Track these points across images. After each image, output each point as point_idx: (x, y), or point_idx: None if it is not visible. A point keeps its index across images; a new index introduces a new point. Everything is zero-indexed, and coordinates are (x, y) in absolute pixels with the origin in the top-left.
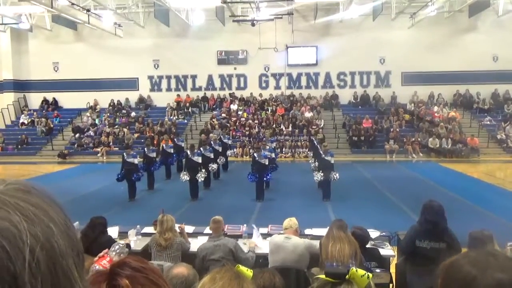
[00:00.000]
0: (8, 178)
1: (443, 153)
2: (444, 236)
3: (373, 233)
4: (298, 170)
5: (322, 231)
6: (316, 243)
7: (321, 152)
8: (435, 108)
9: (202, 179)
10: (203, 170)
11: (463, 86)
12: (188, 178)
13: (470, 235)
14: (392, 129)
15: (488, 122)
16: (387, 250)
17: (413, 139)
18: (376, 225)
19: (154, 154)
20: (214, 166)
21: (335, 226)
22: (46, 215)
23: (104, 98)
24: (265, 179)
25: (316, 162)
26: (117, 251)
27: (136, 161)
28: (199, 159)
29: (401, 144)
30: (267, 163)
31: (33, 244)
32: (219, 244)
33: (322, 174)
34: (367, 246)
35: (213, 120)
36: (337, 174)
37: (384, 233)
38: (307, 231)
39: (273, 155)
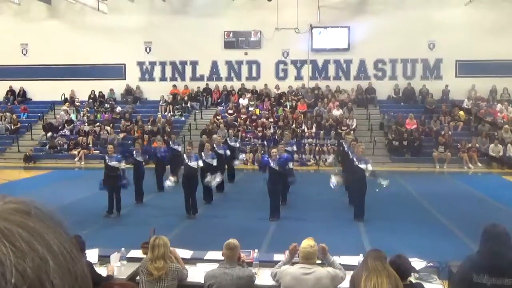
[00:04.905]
0: (8, 195)
1: (508, 163)
2: (509, 270)
3: (418, 264)
4: (323, 181)
5: (353, 260)
6: (345, 274)
7: (353, 158)
8: (498, 106)
9: (215, 183)
10: (218, 173)
11: None
12: (170, 184)
13: None
14: (443, 132)
15: None
16: (435, 285)
17: (470, 145)
18: (422, 254)
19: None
20: (218, 179)
21: (370, 256)
22: (44, 244)
23: (83, 89)
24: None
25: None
26: None
27: (122, 165)
28: (198, 164)
29: (454, 151)
30: (279, 170)
31: (19, 283)
32: (231, 273)
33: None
34: (410, 280)
35: (218, 117)
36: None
37: (431, 264)
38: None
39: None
